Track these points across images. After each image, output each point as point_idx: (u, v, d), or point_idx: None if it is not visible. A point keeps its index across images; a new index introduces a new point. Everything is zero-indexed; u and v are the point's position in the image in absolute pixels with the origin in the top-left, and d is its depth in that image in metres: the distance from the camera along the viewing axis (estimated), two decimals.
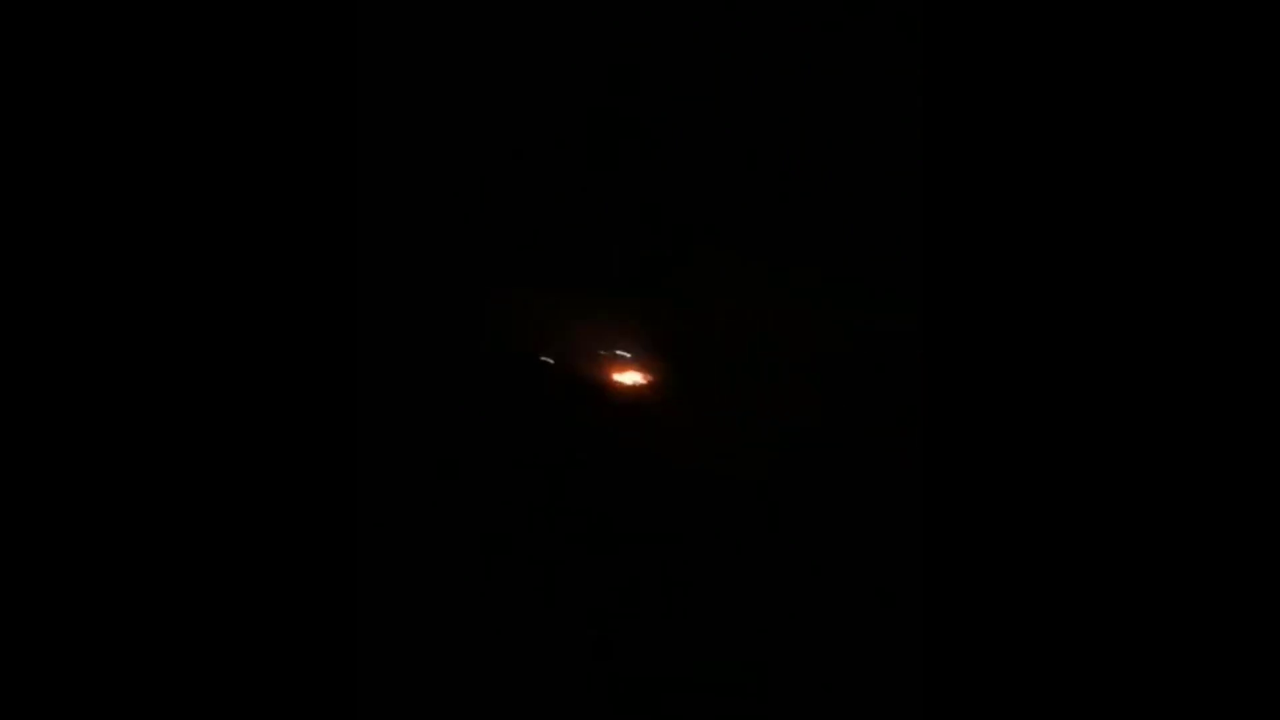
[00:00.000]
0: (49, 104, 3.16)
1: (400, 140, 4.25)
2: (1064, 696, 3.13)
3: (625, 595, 4.12)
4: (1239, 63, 3.15)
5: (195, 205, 3.22)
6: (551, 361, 4.39)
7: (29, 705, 3.08)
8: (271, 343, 3.22)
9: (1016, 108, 3.23)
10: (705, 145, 4.37)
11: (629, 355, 4.41)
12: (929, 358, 3.25)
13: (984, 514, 3.19)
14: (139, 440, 3.16)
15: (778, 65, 4.33)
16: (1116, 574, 3.13)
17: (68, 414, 3.13)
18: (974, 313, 3.22)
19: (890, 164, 4.24)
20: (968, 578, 3.19)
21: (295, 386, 3.23)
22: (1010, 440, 3.19)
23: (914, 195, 3.87)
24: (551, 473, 4.30)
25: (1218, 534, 3.10)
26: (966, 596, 3.18)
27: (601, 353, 4.41)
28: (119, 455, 3.14)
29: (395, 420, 4.26)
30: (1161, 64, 3.19)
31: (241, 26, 3.23)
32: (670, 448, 4.31)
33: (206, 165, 3.23)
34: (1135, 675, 3.10)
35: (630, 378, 4.41)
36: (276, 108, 3.25)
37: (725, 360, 4.37)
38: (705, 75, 4.34)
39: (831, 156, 4.33)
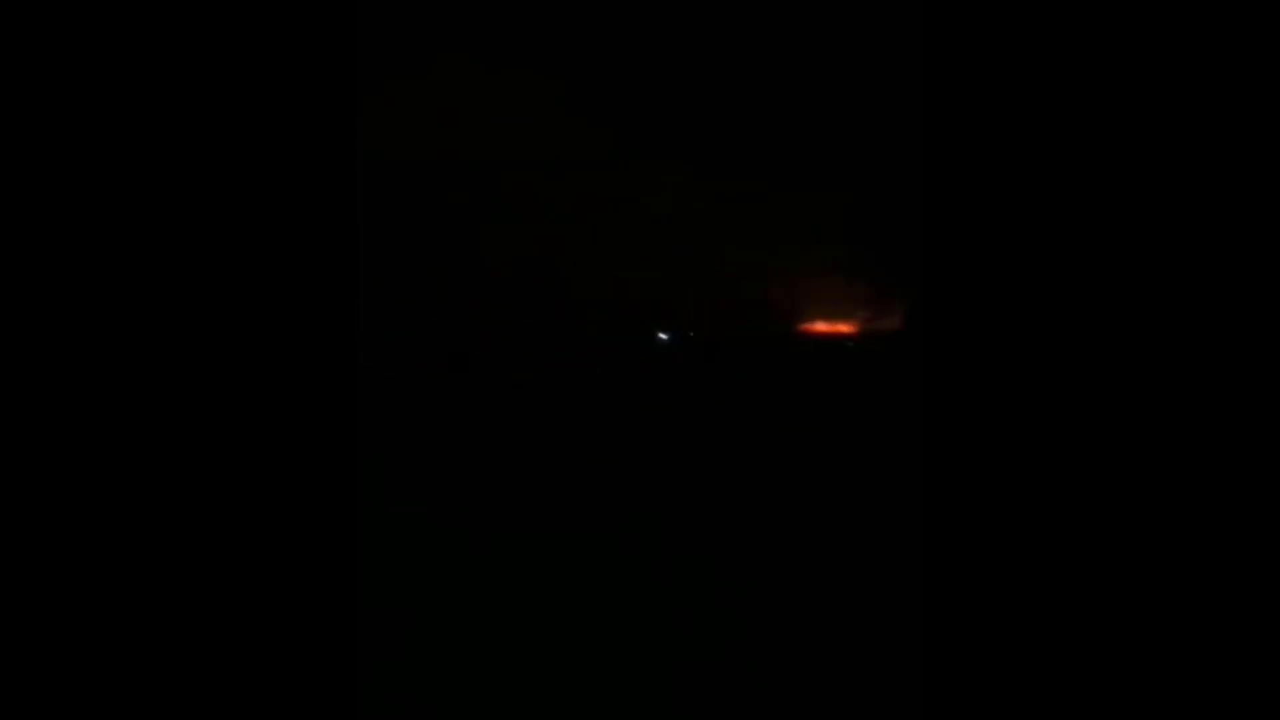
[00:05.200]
0: (49, 104, 3.17)
1: None
2: (1065, 697, 3.13)
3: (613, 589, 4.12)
4: (1239, 62, 3.15)
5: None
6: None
7: (29, 705, 3.08)
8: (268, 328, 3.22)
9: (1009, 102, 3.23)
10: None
11: None
12: (929, 355, 3.26)
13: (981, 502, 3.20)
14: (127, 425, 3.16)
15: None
16: (1117, 574, 3.14)
17: (67, 414, 3.14)
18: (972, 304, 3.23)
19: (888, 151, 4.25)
20: (967, 569, 3.19)
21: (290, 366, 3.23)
22: (1008, 433, 3.19)
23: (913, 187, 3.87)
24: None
25: (1218, 534, 3.10)
26: (966, 588, 3.19)
27: None
28: (118, 454, 3.15)
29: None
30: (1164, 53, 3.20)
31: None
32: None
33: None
34: (1136, 676, 3.11)
35: None
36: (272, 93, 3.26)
37: None
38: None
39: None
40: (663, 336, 4.14)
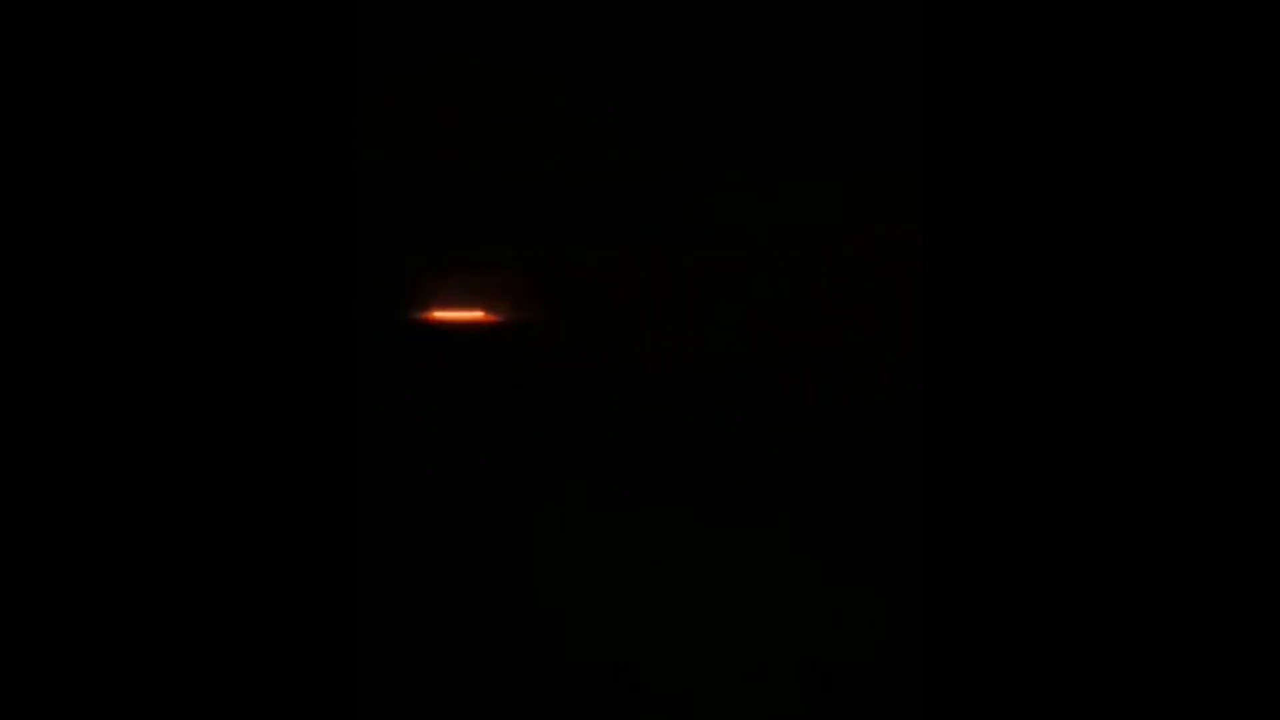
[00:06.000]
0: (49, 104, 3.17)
1: None
2: (1066, 697, 3.13)
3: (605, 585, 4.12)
4: (1239, 62, 3.15)
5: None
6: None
7: (28, 705, 3.08)
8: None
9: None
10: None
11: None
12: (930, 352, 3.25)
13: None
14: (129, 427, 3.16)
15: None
16: (1117, 574, 3.14)
17: (68, 414, 3.14)
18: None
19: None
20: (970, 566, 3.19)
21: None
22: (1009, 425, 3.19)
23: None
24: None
25: (1219, 534, 3.10)
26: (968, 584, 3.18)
27: None
28: (117, 454, 3.15)
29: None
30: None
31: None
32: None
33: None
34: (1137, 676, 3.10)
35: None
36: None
37: None
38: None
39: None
40: None
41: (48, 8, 3.15)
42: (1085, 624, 3.13)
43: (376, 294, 4.35)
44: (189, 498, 3.15)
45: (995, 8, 3.21)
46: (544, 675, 3.97)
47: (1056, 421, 3.17)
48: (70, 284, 3.15)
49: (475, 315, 4.43)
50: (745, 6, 4.37)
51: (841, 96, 4.34)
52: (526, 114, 4.44)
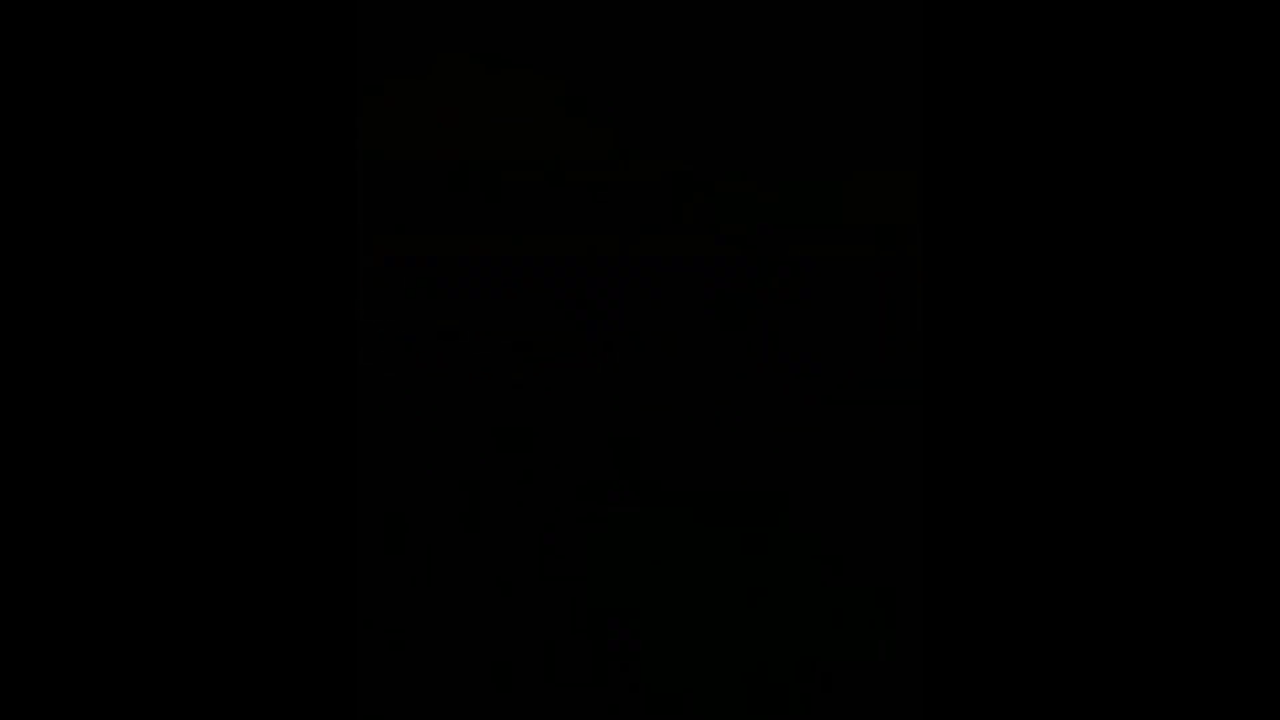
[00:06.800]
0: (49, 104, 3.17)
1: None
2: (1067, 696, 3.13)
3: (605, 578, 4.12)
4: (1239, 62, 3.15)
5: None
6: None
7: (29, 705, 3.08)
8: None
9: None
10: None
11: None
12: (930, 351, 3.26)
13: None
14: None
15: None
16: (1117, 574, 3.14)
17: (69, 414, 3.14)
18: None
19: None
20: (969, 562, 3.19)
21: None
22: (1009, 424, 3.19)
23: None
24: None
25: (1218, 533, 3.10)
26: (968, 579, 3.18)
27: None
28: (117, 454, 3.15)
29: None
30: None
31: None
32: None
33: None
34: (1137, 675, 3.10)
35: None
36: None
37: None
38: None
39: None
40: None
41: (50, 8, 3.16)
42: (1084, 623, 3.13)
43: (376, 293, 4.36)
44: (190, 498, 3.15)
45: (995, 8, 3.21)
46: (544, 675, 3.97)
47: (1055, 421, 3.17)
48: (71, 284, 3.15)
49: (474, 314, 4.43)
50: (745, 6, 4.38)
51: (841, 96, 4.35)
52: (526, 114, 4.44)
